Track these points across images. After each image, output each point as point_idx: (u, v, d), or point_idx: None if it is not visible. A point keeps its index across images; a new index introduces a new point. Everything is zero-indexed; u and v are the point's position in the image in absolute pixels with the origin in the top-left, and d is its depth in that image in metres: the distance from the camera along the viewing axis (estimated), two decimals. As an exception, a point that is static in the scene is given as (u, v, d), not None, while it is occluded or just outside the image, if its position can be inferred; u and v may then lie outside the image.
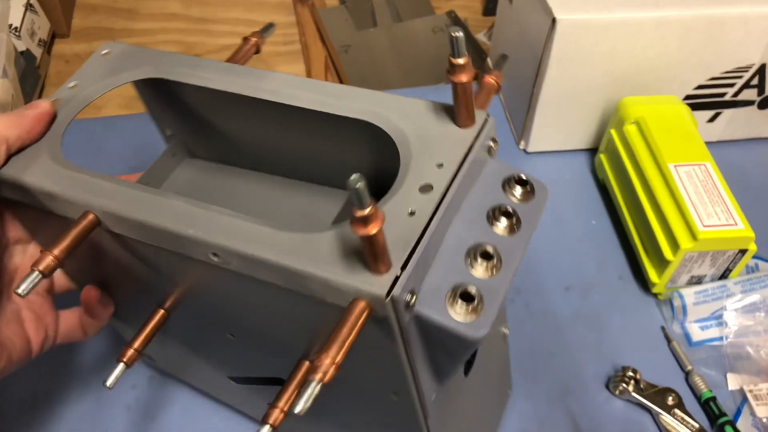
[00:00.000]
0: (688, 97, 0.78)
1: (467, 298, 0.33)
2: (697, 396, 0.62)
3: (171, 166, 0.58)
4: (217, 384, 0.56)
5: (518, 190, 0.37)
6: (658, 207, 0.66)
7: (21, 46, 1.02)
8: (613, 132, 0.75)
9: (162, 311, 0.46)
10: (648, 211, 0.67)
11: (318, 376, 0.29)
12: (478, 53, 1.16)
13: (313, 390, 0.29)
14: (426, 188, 0.34)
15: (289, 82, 0.42)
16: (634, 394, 0.60)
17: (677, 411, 0.60)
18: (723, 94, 0.78)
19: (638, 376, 0.61)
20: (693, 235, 0.62)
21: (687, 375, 0.63)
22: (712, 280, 0.67)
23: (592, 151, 0.83)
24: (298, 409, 0.28)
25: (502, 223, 0.36)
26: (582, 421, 0.60)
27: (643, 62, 0.73)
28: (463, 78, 0.35)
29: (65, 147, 0.41)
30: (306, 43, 1.22)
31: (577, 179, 0.81)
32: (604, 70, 0.74)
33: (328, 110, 0.41)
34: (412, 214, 0.33)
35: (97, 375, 0.62)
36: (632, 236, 0.70)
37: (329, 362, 0.29)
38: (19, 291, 0.35)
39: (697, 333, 0.66)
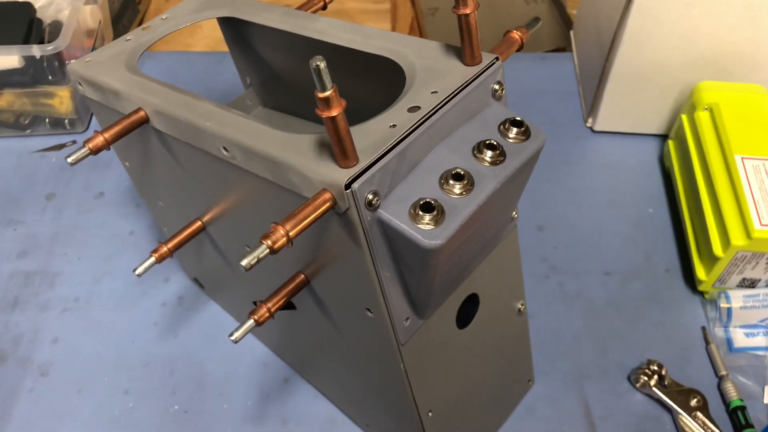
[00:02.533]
0: (778, 90, 0.71)
1: (428, 208, 0.34)
2: (726, 403, 0.58)
3: (245, 111, 0.64)
4: (244, 309, 0.59)
5: (513, 131, 0.38)
6: (715, 199, 0.61)
7: (123, -19, 1.07)
8: (684, 117, 0.70)
9: (199, 222, 0.52)
10: (705, 202, 0.63)
11: (267, 241, 0.31)
12: (566, 24, 1.11)
13: (260, 251, 0.31)
14: (413, 108, 0.36)
15: (334, 25, 0.46)
16: (655, 389, 0.57)
17: (699, 414, 0.56)
18: (819, 90, 0.71)
19: (663, 372, 0.58)
20: (747, 232, 0.57)
21: (720, 380, 0.59)
22: (767, 285, 0.62)
23: (664, 138, 0.78)
24: (243, 262, 0.31)
25: (486, 154, 0.37)
26: (595, 408, 0.58)
27: (728, 46, 0.68)
28: (467, 10, 0.35)
29: (148, 74, 0.47)
30: (395, 2, 1.21)
31: (641, 164, 0.77)
32: (683, 51, 0.69)
33: (357, 47, 0.44)
34: (392, 126, 0.35)
35: (133, 289, 0.66)
36: (686, 229, 0.66)
37: (282, 233, 0.32)
38: (69, 160, 0.41)
39: (740, 339, 0.61)
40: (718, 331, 0.62)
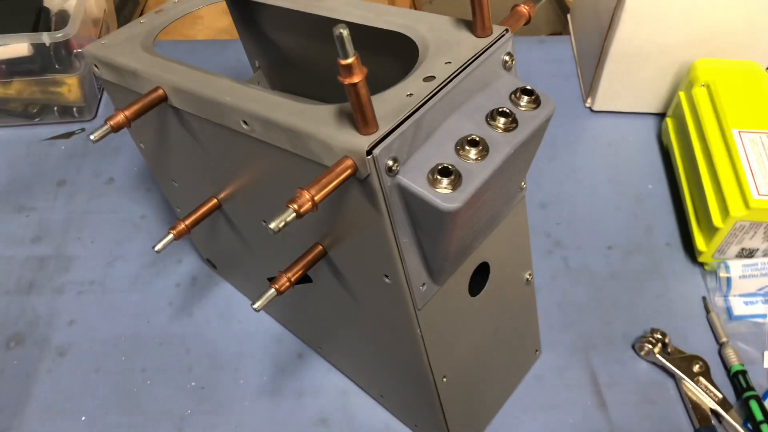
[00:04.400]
0: (772, 67, 0.73)
1: (446, 173, 0.36)
2: (727, 368, 0.60)
3: None
4: (258, 287, 0.60)
5: (524, 99, 0.39)
6: (714, 172, 0.63)
7: (123, -28, 1.08)
8: (681, 95, 0.72)
9: (215, 200, 0.53)
10: (704, 175, 0.64)
11: (294, 205, 0.33)
12: (562, 9, 1.13)
13: (287, 215, 0.32)
14: (429, 78, 0.38)
15: (345, 2, 0.48)
16: (658, 356, 0.59)
17: (701, 379, 0.58)
18: (812, 67, 0.73)
19: (667, 340, 0.60)
20: (746, 202, 0.59)
21: (720, 347, 0.61)
22: (765, 255, 0.64)
23: (662, 117, 0.80)
24: (271, 225, 0.32)
25: (499, 121, 0.38)
26: (601, 376, 0.60)
27: (724, 24, 0.69)
28: None
29: None
30: (392, -9, 1.23)
31: (640, 142, 0.78)
32: (680, 30, 0.70)
33: (369, 23, 0.45)
34: (409, 95, 0.37)
35: (147, 271, 0.67)
36: (686, 202, 0.68)
37: (308, 197, 0.33)
38: (92, 137, 0.42)
39: (739, 307, 0.63)
40: (718, 301, 0.64)
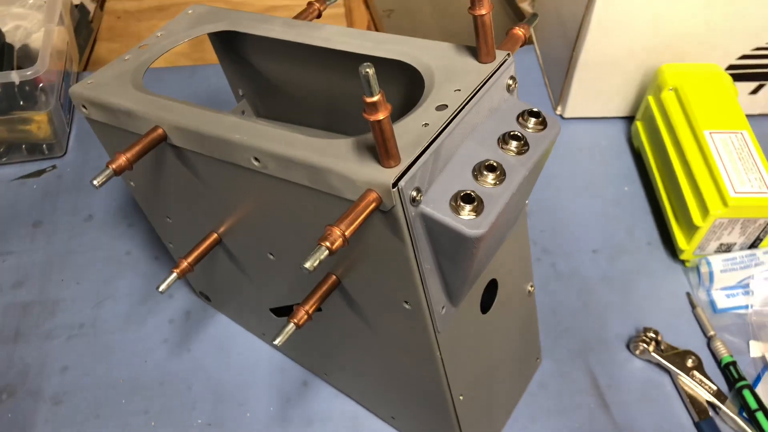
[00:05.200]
0: (731, 67, 0.77)
1: (468, 200, 0.36)
2: (718, 360, 0.62)
3: None
4: (257, 318, 0.60)
5: (531, 121, 0.41)
6: (690, 173, 0.66)
7: (75, 0, 1.06)
8: (650, 99, 0.74)
9: (215, 235, 0.52)
10: (680, 177, 0.67)
11: (326, 243, 0.33)
12: (519, 19, 1.15)
13: (320, 253, 0.33)
14: (441, 107, 0.39)
15: (340, 32, 0.48)
16: (653, 354, 0.61)
17: (696, 373, 0.60)
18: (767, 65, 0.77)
19: (659, 338, 0.62)
20: (724, 200, 0.62)
21: (709, 340, 0.64)
22: (742, 248, 0.67)
23: (630, 120, 0.83)
24: (306, 264, 0.33)
25: (511, 145, 0.39)
26: (601, 377, 0.62)
27: (687, 29, 0.73)
28: (483, 11, 0.37)
29: None
30: (349, 6, 1.23)
31: (612, 146, 0.81)
32: (646, 37, 0.73)
33: (369, 53, 0.46)
34: (425, 125, 0.37)
35: (138, 308, 0.65)
36: (663, 203, 0.71)
37: (338, 233, 0.33)
38: (95, 183, 0.41)
39: (722, 300, 0.66)
40: (702, 295, 0.67)
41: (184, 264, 0.51)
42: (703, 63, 0.74)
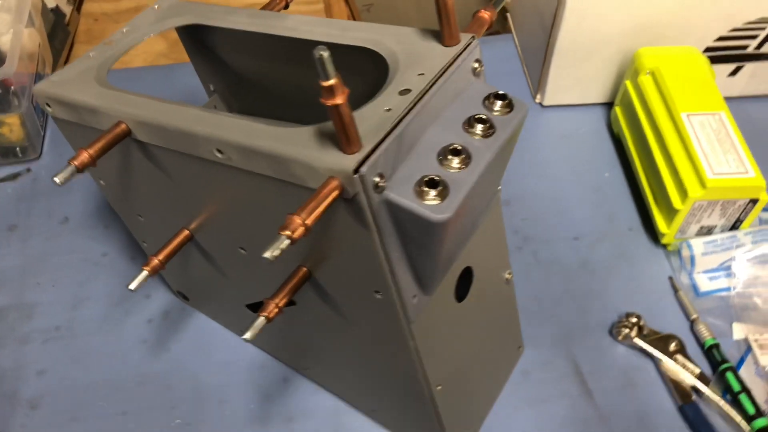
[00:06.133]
0: (708, 50, 0.76)
1: (433, 184, 0.36)
2: (701, 344, 0.62)
3: None
4: (236, 315, 0.59)
5: (497, 104, 0.40)
6: (669, 156, 0.65)
7: (51, 3, 1.05)
8: (628, 83, 0.74)
9: (186, 231, 0.52)
10: (659, 160, 0.67)
11: (286, 232, 0.32)
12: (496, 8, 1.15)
13: (280, 243, 0.32)
14: (404, 91, 0.38)
15: (305, 21, 0.47)
16: (636, 339, 0.61)
17: (679, 357, 0.60)
18: (745, 47, 0.77)
19: (641, 323, 0.62)
20: (702, 182, 0.62)
21: (692, 324, 0.63)
22: (723, 230, 0.66)
23: (609, 106, 0.83)
24: (266, 254, 0.32)
25: (477, 128, 0.39)
26: (584, 364, 0.61)
27: (662, 13, 0.72)
28: None
29: None
30: (329, 2, 1.22)
31: (592, 133, 0.80)
32: (621, 21, 0.73)
33: (335, 41, 0.45)
34: (388, 110, 0.37)
35: (115, 309, 0.65)
36: (644, 187, 0.70)
37: (299, 221, 0.33)
38: (57, 180, 0.40)
39: (704, 283, 0.66)
40: (684, 279, 0.66)
41: (155, 261, 0.50)
42: (680, 46, 0.74)
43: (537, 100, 0.83)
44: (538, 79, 0.82)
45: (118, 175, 0.52)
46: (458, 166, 0.37)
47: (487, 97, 0.40)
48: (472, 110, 0.39)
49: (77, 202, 0.73)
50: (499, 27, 1.17)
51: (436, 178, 0.36)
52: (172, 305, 0.65)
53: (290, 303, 0.50)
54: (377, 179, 0.35)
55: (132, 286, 0.49)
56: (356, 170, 0.34)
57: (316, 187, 0.35)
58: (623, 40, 0.75)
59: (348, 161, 0.34)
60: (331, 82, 0.31)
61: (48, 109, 0.49)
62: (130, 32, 0.53)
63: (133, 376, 0.60)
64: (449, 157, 0.37)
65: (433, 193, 0.36)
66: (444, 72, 0.39)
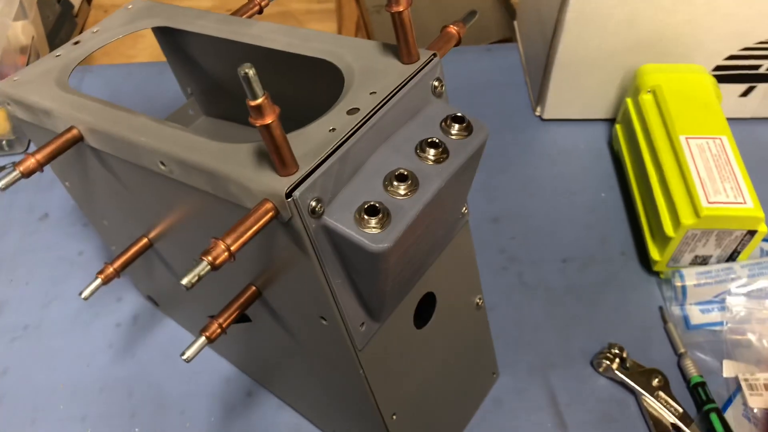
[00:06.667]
0: (717, 68, 0.73)
1: (373, 212, 0.34)
2: (687, 380, 0.59)
3: (187, 121, 0.62)
4: (201, 324, 0.58)
5: (455, 127, 0.38)
6: (664, 181, 0.62)
7: (57, -7, 1.04)
8: (628, 101, 0.71)
9: (145, 239, 0.50)
10: (654, 184, 0.63)
11: (208, 257, 0.30)
12: (510, 14, 1.12)
13: (201, 268, 0.30)
14: (353, 111, 0.36)
15: (270, 29, 0.45)
16: (617, 372, 0.58)
17: (661, 393, 0.57)
18: (757, 67, 0.73)
19: (624, 354, 0.59)
20: (696, 211, 0.58)
21: (679, 358, 0.60)
22: (719, 261, 0.63)
23: (611, 123, 0.79)
24: (183, 281, 0.30)
25: (429, 153, 0.36)
26: (561, 396, 0.58)
27: (667, 28, 0.69)
28: (400, 7, 0.35)
29: (85, 90, 0.44)
30: (340, 1, 1.20)
31: (591, 150, 0.77)
32: (624, 36, 0.70)
33: (294, 50, 0.43)
34: (332, 130, 0.34)
35: (86, 311, 0.63)
36: (638, 211, 0.67)
37: (223, 248, 0.31)
38: (0, 185, 0.40)
39: (696, 316, 0.62)
40: (675, 310, 0.63)
41: (110, 270, 0.49)
42: (686, 64, 0.70)
43: (537, 113, 0.80)
44: (538, 92, 0.79)
45: (79, 178, 0.51)
46: (404, 192, 0.35)
47: (445, 119, 0.38)
48: (426, 132, 0.37)
49: (59, 197, 0.72)
50: (511, 34, 1.14)
51: (377, 205, 0.34)
52: (142, 309, 0.64)
53: (246, 319, 0.49)
54: (314, 203, 0.33)
55: (84, 295, 0.48)
56: (289, 194, 0.32)
57: (251, 207, 0.34)
58: (627, 54, 0.71)
59: (281, 184, 0.32)
60: (259, 101, 0.30)
61: (8, 108, 0.48)
62: (100, 32, 0.52)
63: (96, 381, 0.59)
64: (395, 183, 0.35)
65: (373, 221, 0.33)
66: (398, 91, 0.37)
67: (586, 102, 0.77)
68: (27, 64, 0.78)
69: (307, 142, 0.34)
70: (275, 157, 0.32)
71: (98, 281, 0.48)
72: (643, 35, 0.69)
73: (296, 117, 0.52)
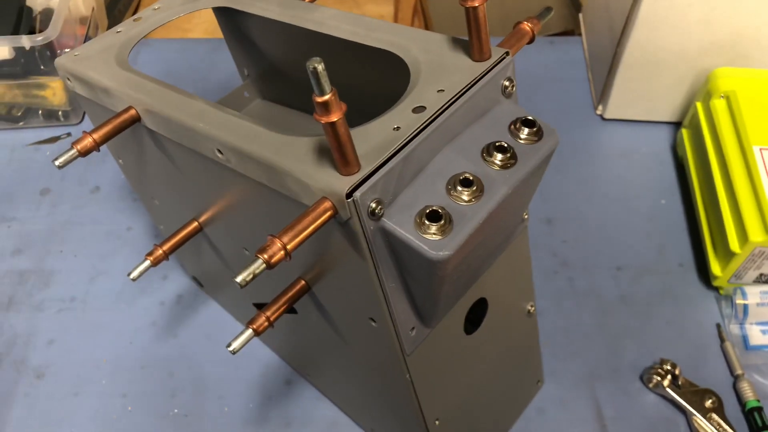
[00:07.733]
0: (797, 75, 0.69)
1: (435, 217, 0.32)
2: (742, 404, 0.56)
3: (242, 104, 0.61)
4: (244, 310, 0.58)
5: (524, 131, 0.36)
6: (732, 192, 0.59)
7: (117, -35, 1.04)
8: (698, 105, 0.67)
9: (195, 223, 0.50)
10: (721, 195, 0.60)
11: (264, 255, 0.29)
12: (575, 6, 1.08)
13: (256, 267, 0.29)
14: (419, 109, 0.34)
15: (333, 16, 0.44)
16: (668, 389, 0.56)
17: (714, 416, 0.54)
18: (840, 76, 0.68)
19: (677, 372, 0.56)
20: (766, 227, 0.55)
21: (735, 380, 0.57)
22: (785, 281, 0.60)
23: (677, 126, 0.76)
24: (238, 279, 0.29)
25: (496, 157, 0.34)
26: (606, 409, 0.56)
27: (746, 30, 0.65)
28: (476, 2, 0.33)
29: (141, 64, 0.43)
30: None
31: (654, 153, 0.74)
32: (699, 36, 0.66)
33: (358, 40, 0.41)
34: (396, 129, 0.33)
35: (131, 287, 0.64)
36: (701, 222, 0.64)
37: (279, 246, 0.30)
38: (57, 163, 0.40)
39: (756, 336, 0.59)
40: (734, 329, 0.60)
41: (159, 252, 0.48)
42: (764, 70, 0.67)
43: (598, 112, 0.77)
44: (601, 90, 0.76)
45: (133, 157, 0.50)
46: (468, 198, 0.33)
47: (514, 122, 0.36)
48: (493, 135, 0.35)
49: (110, 172, 0.72)
50: (574, 26, 1.11)
51: (440, 210, 0.32)
52: (186, 289, 0.64)
53: (292, 310, 0.48)
54: (374, 205, 0.31)
55: (132, 276, 0.48)
56: (349, 194, 0.30)
57: (309, 204, 0.32)
58: (700, 56, 0.68)
59: (342, 183, 0.31)
60: (326, 97, 0.28)
61: (68, 83, 0.48)
62: (161, 9, 0.51)
63: (138, 358, 0.59)
64: (459, 187, 0.33)
65: (434, 227, 0.32)
66: (467, 90, 0.35)
67: (651, 103, 0.74)
68: (86, 35, 0.78)
69: (370, 140, 0.33)
70: (337, 155, 0.30)
71: (147, 263, 0.48)
72: (720, 37, 0.66)
73: (357, 107, 0.51)
